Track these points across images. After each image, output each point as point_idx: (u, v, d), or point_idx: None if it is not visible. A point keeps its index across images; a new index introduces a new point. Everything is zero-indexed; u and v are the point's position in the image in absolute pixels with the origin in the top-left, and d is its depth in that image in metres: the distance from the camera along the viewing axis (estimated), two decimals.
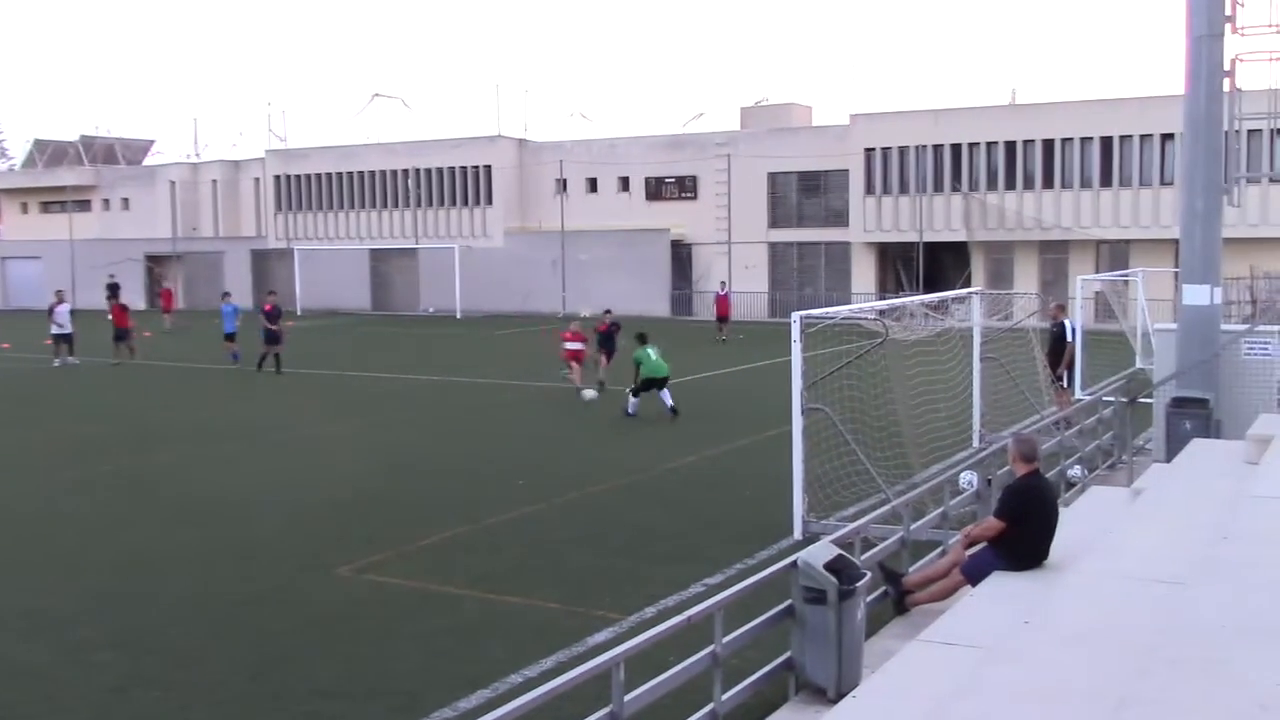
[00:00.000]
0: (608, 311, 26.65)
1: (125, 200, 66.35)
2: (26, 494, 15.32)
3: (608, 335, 24.81)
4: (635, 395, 21.47)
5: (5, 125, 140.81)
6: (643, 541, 12.50)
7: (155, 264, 62.11)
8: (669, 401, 21.26)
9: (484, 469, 16.60)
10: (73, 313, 32.14)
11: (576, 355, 24.34)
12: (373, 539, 12.63)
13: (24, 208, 70.40)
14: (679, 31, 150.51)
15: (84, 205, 66.51)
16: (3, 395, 26.16)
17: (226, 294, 34.41)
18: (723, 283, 42.93)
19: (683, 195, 51.24)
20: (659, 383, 21.69)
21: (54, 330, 31.59)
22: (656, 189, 51.84)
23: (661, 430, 19.77)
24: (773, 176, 49.11)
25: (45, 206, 68.90)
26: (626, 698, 6.44)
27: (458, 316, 50.03)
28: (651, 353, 22.14)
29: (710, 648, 7.18)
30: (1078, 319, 21.74)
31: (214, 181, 63.53)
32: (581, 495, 14.71)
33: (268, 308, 29.16)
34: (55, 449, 18.74)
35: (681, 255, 50.67)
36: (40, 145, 71.99)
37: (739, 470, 16.14)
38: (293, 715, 8.12)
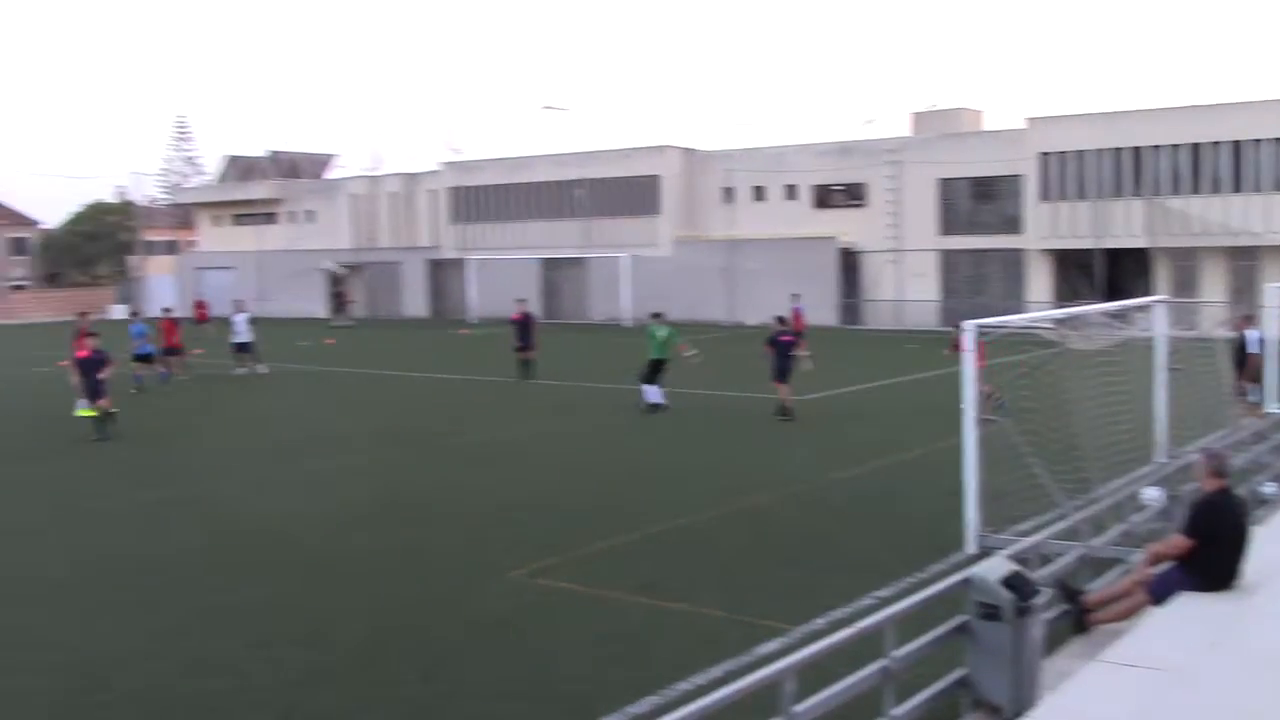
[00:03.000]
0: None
1: (309, 212, 69.11)
2: (216, 498, 16.06)
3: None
4: (649, 383, 22.09)
5: (201, 142, 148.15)
6: (811, 552, 12.41)
7: (341, 273, 64.49)
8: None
9: (652, 476, 16.72)
10: (254, 321, 33.20)
11: None
12: (544, 544, 12.85)
13: (218, 220, 73.96)
14: (847, 38, 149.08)
15: (272, 217, 69.58)
16: (183, 402, 27.47)
17: (134, 313, 32.45)
18: (794, 295, 37.87)
19: (852, 203, 50.71)
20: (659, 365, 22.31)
21: (234, 339, 32.73)
22: (825, 197, 51.45)
23: (827, 440, 19.58)
24: (944, 183, 48.20)
25: (237, 219, 72.27)
26: (795, 709, 6.41)
27: (627, 324, 50.49)
28: (658, 332, 22.54)
29: (881, 661, 7.09)
30: (1272, 329, 20.69)
31: (392, 194, 65.62)
32: (748, 504, 14.69)
33: (515, 316, 29.70)
34: (237, 453, 19.61)
35: (850, 263, 50.13)
36: (232, 161, 75.60)
37: (910, 482, 15.87)
38: (466, 716, 8.31)
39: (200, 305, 47.87)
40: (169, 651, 9.60)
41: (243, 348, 32.27)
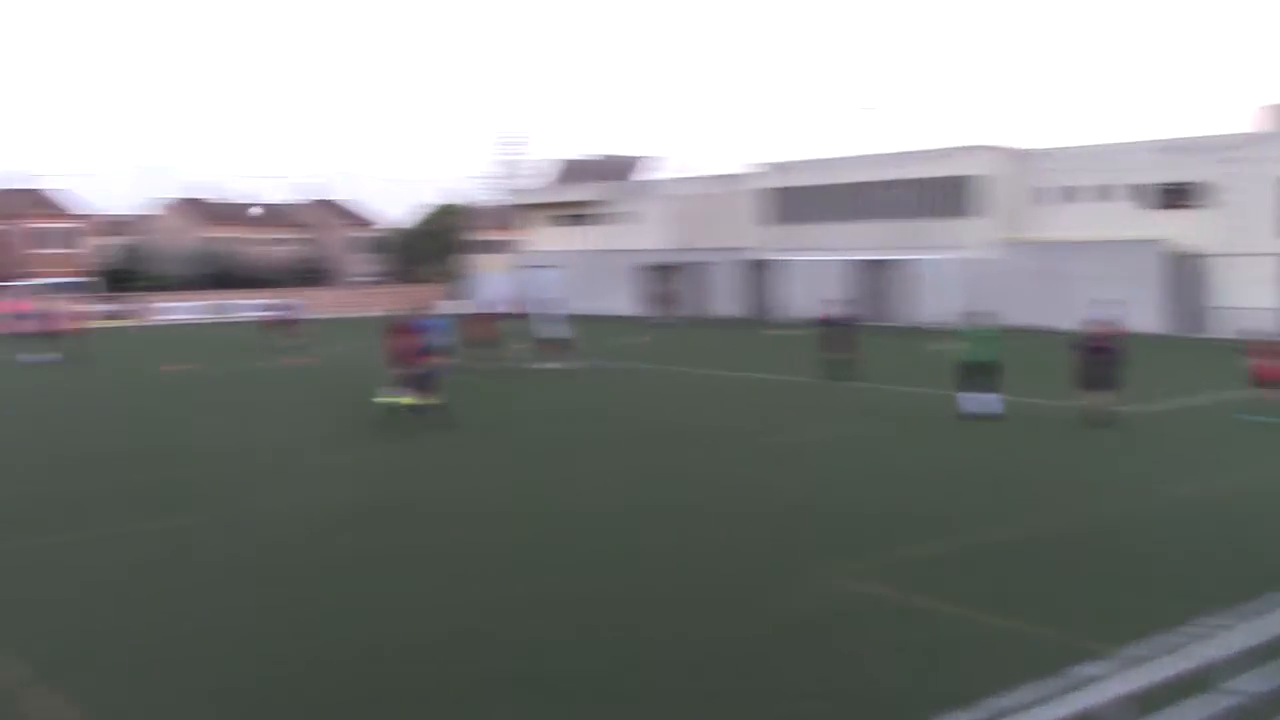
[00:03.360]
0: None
1: (631, 214, 71.25)
2: (525, 488, 16.81)
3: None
4: (962, 389, 21.44)
5: (533, 147, 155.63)
6: (1136, 570, 11.77)
7: (656, 273, 66.24)
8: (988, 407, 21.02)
9: (965, 483, 16.30)
10: (570, 318, 34.55)
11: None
12: (852, 547, 12.78)
13: (546, 221, 77.46)
14: (1180, 28, 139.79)
15: (595, 218, 72.25)
16: (500, 394, 28.76)
17: (424, 309, 30.17)
18: (1105, 301, 34.23)
19: (1188, 203, 47.60)
20: (981, 370, 21.27)
21: (543, 334, 34.29)
22: (1157, 197, 48.53)
23: (1150, 453, 18.51)
24: None
25: (564, 219, 75.46)
26: None
27: (941, 328, 49.31)
28: (975, 334, 21.71)
29: (1219, 695, 6.68)
30: None
31: (709, 195, 66.71)
32: (1067, 517, 14.08)
33: (824, 317, 30.17)
34: (548, 445, 20.42)
35: (1187, 268, 47.06)
36: (561, 164, 79.06)
37: (1246, 501, 14.78)
38: (774, 714, 8.39)
39: (517, 302, 50.51)
40: (500, 634, 10.15)
41: (557, 343, 33.79)
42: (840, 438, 20.63)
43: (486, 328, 34.10)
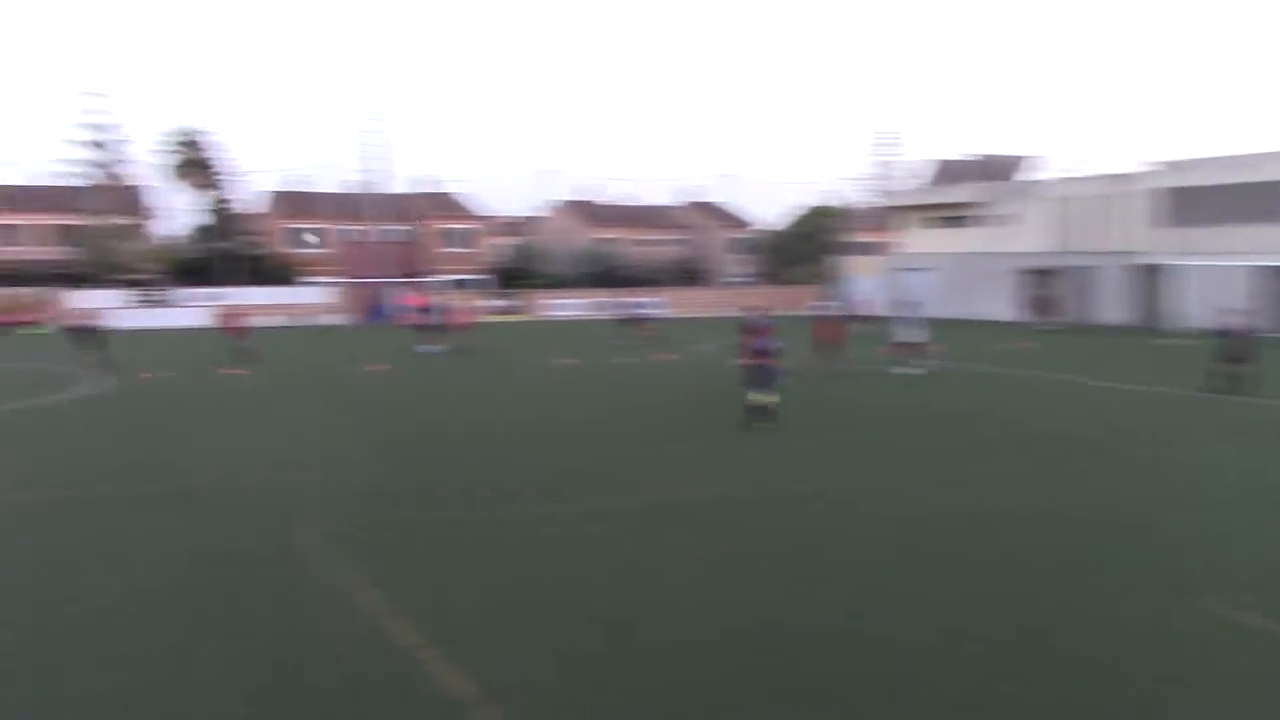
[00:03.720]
0: None
1: (1009, 215, 68.82)
2: (896, 494, 16.57)
3: None
4: None
5: (910, 148, 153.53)
6: None
7: (1036, 277, 63.69)
8: None
9: None
10: (927, 321, 33.68)
11: None
12: (1245, 575, 11.78)
13: (921, 223, 76.16)
14: None
15: (973, 220, 70.30)
16: (844, 397, 28.49)
17: (767, 310, 27.43)
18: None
19: None
20: None
21: (900, 337, 33.69)
22: None
23: None
24: None
25: (938, 221, 73.92)
26: None
27: None
28: None
29: None
30: None
31: (1094, 196, 63.38)
32: None
33: (1222, 327, 28.69)
34: (919, 451, 20.03)
35: None
36: (937, 165, 77.48)
37: None
38: None
39: (870, 304, 50.66)
40: (858, 630, 10.12)
41: (913, 346, 33.31)
42: (1236, 457, 19.05)
43: (835, 330, 34.01)
